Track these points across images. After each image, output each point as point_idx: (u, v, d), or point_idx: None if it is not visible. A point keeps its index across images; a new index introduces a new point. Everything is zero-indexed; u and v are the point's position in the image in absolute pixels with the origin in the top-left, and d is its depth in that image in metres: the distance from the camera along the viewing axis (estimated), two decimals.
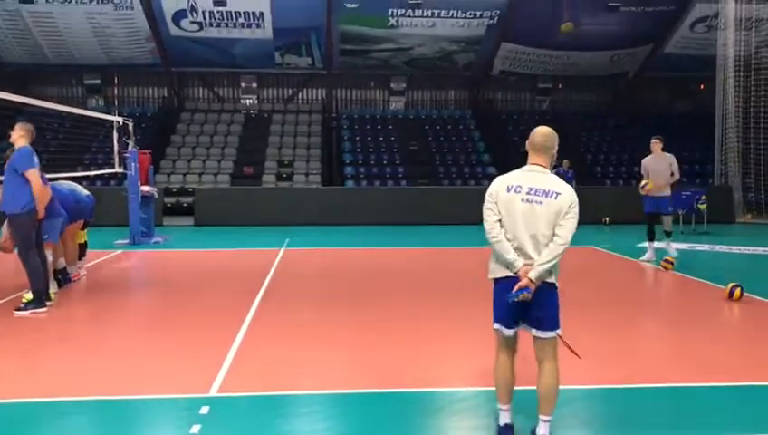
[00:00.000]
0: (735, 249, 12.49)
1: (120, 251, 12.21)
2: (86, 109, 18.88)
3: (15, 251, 7.72)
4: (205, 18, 22.84)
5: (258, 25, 23.14)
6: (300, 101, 27.16)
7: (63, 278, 8.48)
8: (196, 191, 18.42)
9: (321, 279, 9.65)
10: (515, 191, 3.73)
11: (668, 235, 10.83)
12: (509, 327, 3.77)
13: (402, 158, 23.82)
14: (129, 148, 13.39)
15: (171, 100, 26.56)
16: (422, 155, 24.15)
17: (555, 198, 3.66)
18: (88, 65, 24.89)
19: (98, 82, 25.80)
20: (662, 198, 10.54)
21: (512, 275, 3.67)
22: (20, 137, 7.38)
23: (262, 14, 22.66)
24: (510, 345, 3.85)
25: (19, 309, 7.04)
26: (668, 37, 24.53)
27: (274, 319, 6.93)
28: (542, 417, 3.69)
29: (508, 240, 3.70)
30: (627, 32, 23.86)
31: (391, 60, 25.45)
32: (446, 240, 14.12)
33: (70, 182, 9.24)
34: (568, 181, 16.96)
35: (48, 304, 7.23)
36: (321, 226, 16.56)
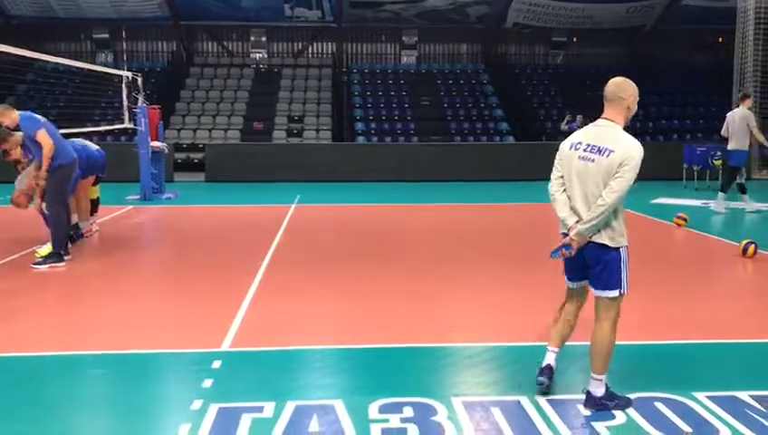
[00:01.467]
0: (749, 206, 12.35)
1: (131, 207, 12.26)
2: (95, 64, 18.76)
3: (31, 206, 7.79)
4: None
5: None
6: (310, 56, 26.82)
7: (76, 234, 8.53)
8: (207, 147, 18.36)
9: (332, 235, 9.66)
10: (575, 148, 3.66)
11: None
12: (570, 280, 3.85)
13: (413, 113, 23.57)
14: (139, 103, 13.33)
15: (180, 54, 26.30)
16: (434, 110, 23.88)
17: (607, 156, 3.50)
18: (96, 19, 24.62)
19: (106, 36, 25.53)
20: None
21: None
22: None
23: None
24: (572, 296, 3.91)
25: (37, 263, 7.11)
26: None
27: (285, 275, 6.95)
28: (592, 374, 3.70)
29: (568, 198, 3.68)
30: None
31: (403, 13, 24.97)
32: (458, 197, 14.05)
33: (81, 139, 9.21)
34: None
35: (66, 258, 7.31)
36: (331, 182, 16.52)
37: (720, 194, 11.43)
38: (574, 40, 26.84)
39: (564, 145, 3.75)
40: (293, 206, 12.24)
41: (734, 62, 19.00)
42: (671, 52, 26.74)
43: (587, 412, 3.63)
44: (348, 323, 5.30)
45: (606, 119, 3.65)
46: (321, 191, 14.71)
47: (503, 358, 4.53)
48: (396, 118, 23.32)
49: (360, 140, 21.76)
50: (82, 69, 14.74)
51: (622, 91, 3.61)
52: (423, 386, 3.97)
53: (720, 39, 25.05)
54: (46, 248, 7.29)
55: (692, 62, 26.39)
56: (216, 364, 4.30)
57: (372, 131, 22.46)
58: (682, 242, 9.23)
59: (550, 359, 3.89)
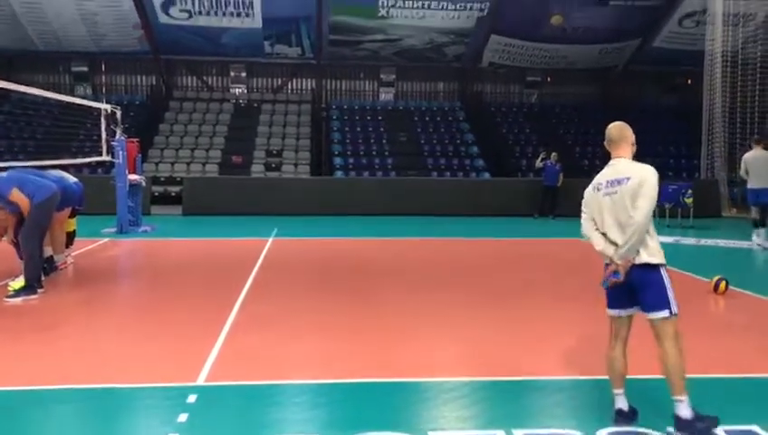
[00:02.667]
0: (722, 243, 12.64)
1: (107, 239, 12.17)
2: (74, 96, 18.72)
3: (3, 239, 7.72)
4: (194, 6, 22.66)
5: (247, 14, 23.00)
6: (289, 91, 27.05)
7: (50, 266, 8.44)
8: (185, 180, 18.34)
9: (310, 269, 9.66)
10: (597, 190, 4.01)
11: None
12: (616, 308, 3.96)
13: (391, 149, 23.81)
14: (117, 136, 13.32)
15: (160, 88, 26.36)
16: (411, 146, 24.14)
17: (627, 183, 3.84)
18: (76, 52, 24.66)
19: (85, 69, 25.55)
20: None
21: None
22: None
23: (251, 2, 22.53)
24: (618, 328, 3.98)
25: (10, 296, 7.03)
26: (657, 31, 24.61)
27: (262, 308, 6.94)
28: (674, 398, 3.76)
29: (604, 234, 3.93)
30: (616, 25, 23.92)
31: (381, 51, 25.39)
32: (435, 231, 14.16)
33: (58, 170, 9.18)
34: (555, 174, 17.21)
35: (39, 291, 7.23)
36: (309, 216, 16.55)
37: (761, 230, 11.97)
38: (548, 80, 27.45)
39: (588, 191, 4.10)
40: (271, 239, 12.24)
41: (703, 103, 19.59)
42: (641, 92, 27.52)
43: None
44: (326, 358, 5.30)
45: (616, 156, 4.03)
46: (298, 225, 14.74)
47: (479, 392, 4.57)
48: (374, 153, 23.53)
49: (339, 174, 21.90)
50: (61, 101, 14.69)
51: (626, 129, 4.08)
52: (400, 420, 3.98)
53: (689, 81, 25.83)
54: (19, 281, 7.21)
55: (661, 103, 27.12)
56: (192, 398, 4.27)
57: (350, 166, 22.63)
58: None
59: (620, 403, 3.94)
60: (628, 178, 3.84)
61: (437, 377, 4.84)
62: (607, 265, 3.91)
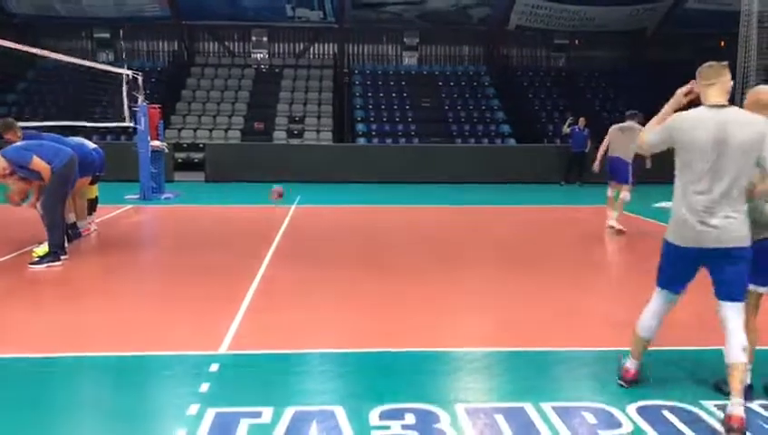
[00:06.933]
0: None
1: (130, 206, 12.18)
2: (96, 62, 18.66)
3: (24, 205, 7.71)
4: None
5: None
6: (311, 56, 26.76)
7: (73, 233, 8.44)
8: (207, 147, 18.29)
9: (331, 236, 9.57)
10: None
11: None
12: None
13: (415, 115, 23.50)
14: (139, 102, 13.25)
15: (181, 54, 26.24)
16: (435, 112, 23.81)
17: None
18: (97, 18, 24.55)
19: (107, 35, 25.49)
20: None
21: None
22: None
23: None
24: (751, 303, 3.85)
25: (34, 263, 7.04)
26: None
27: (285, 277, 6.87)
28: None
29: None
30: None
31: (404, 14, 24.91)
32: (460, 199, 13.97)
33: (78, 138, 9.13)
34: (583, 139, 16.84)
35: (63, 258, 7.23)
36: (331, 183, 16.44)
37: None
38: (576, 43, 26.78)
39: None
40: (293, 207, 12.15)
41: (737, 65, 18.93)
42: (673, 55, 26.68)
43: (593, 420, 3.54)
44: (349, 327, 5.21)
45: None
46: (321, 192, 14.63)
47: (506, 363, 4.45)
48: (397, 119, 23.24)
49: (361, 141, 21.68)
50: (83, 67, 14.64)
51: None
52: (425, 392, 3.87)
53: (722, 43, 24.99)
54: (43, 248, 7.21)
55: (694, 66, 26.24)
56: (214, 368, 4.21)
57: (373, 132, 22.39)
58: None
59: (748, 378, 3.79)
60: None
61: (463, 347, 4.72)
62: None
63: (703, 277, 3.77)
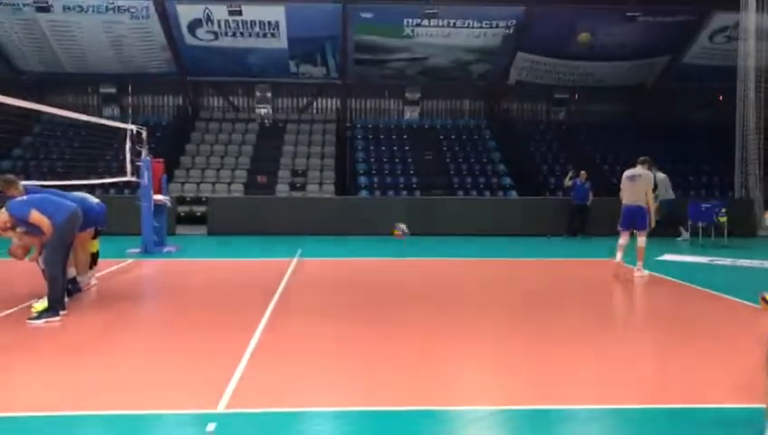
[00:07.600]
0: (757, 263, 12.20)
1: (131, 260, 12.13)
2: (102, 117, 18.92)
3: (26, 259, 7.68)
4: (220, 27, 22.90)
5: (273, 35, 23.17)
6: (314, 111, 27.13)
7: (74, 288, 8.39)
8: (210, 200, 18.37)
9: (334, 290, 9.49)
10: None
11: None
12: None
13: (416, 168, 23.66)
14: (143, 156, 13.35)
15: (186, 109, 26.62)
16: (437, 165, 23.98)
17: None
18: (104, 74, 25.01)
19: (113, 91, 25.91)
20: None
21: None
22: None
23: (277, 23, 22.69)
24: None
25: (32, 318, 6.96)
26: (687, 48, 24.26)
27: (286, 332, 6.78)
28: None
29: None
30: (645, 42, 23.64)
31: (406, 70, 25.36)
32: (463, 251, 13.92)
33: (80, 192, 9.17)
34: (585, 192, 16.89)
35: (62, 313, 7.15)
36: (334, 236, 16.42)
37: None
38: (576, 97, 27.16)
39: None
40: (295, 259, 12.10)
41: (736, 120, 19.12)
42: (672, 109, 27.02)
43: None
44: (351, 385, 5.10)
45: None
46: (323, 245, 14.60)
47: (510, 422, 4.33)
48: (399, 172, 23.39)
49: (363, 193, 21.78)
50: (88, 122, 14.83)
51: None
52: None
53: (720, 97, 25.31)
54: (42, 303, 7.14)
55: (692, 120, 26.60)
56: (211, 427, 4.10)
57: (375, 185, 22.51)
58: (689, 301, 9.02)
59: None
60: None
61: (467, 405, 4.60)
62: None
63: None
